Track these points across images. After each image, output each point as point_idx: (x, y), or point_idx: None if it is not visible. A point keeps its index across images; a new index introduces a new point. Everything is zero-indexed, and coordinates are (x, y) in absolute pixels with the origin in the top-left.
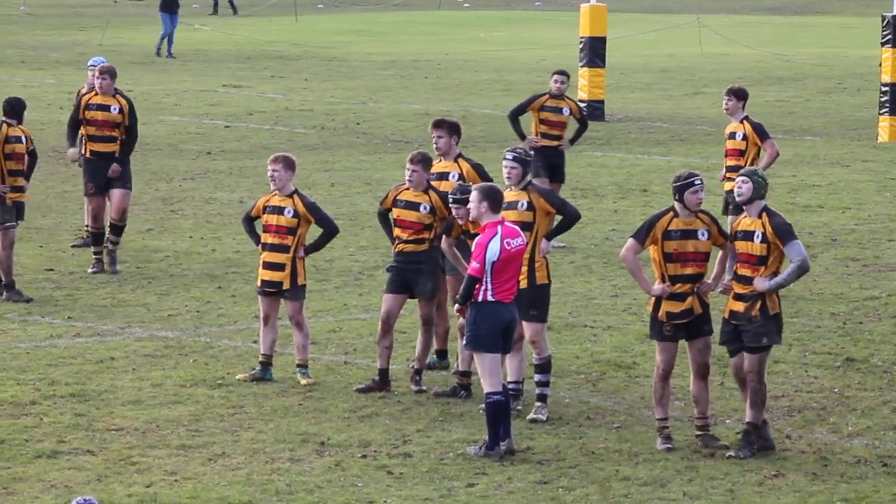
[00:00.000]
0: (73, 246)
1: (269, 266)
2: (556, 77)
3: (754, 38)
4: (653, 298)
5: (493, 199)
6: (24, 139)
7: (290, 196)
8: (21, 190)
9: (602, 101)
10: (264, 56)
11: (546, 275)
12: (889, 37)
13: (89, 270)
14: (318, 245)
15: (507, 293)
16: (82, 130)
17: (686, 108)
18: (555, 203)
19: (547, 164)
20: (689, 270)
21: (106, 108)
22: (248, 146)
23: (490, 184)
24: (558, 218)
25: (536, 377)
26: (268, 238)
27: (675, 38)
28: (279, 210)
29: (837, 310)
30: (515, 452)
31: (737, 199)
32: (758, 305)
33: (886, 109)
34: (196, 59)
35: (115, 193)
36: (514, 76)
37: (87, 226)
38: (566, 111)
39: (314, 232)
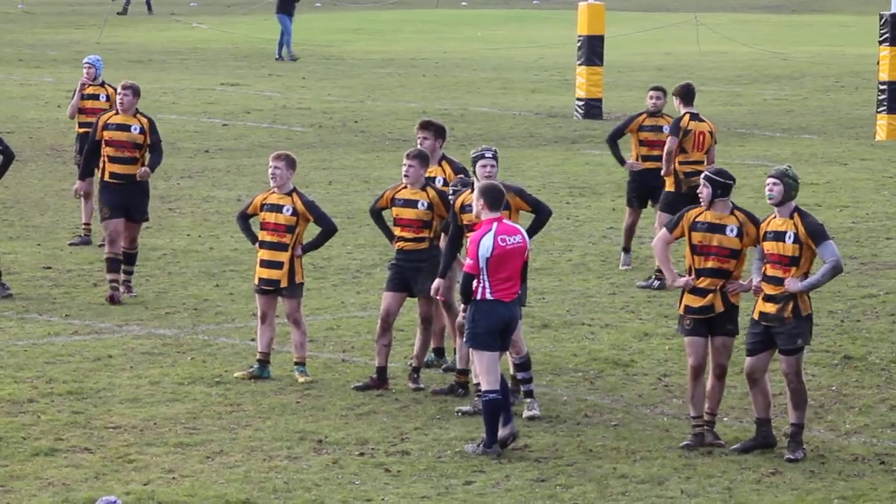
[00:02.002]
0: (70, 244)
1: (266, 264)
2: (651, 93)
3: (752, 37)
4: (681, 293)
5: (491, 198)
6: None
7: (289, 194)
8: None
9: (600, 100)
10: (262, 54)
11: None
12: (887, 35)
13: (105, 298)
14: (316, 243)
15: (507, 292)
16: (102, 151)
17: None
18: (530, 201)
19: (640, 192)
20: (709, 264)
21: (126, 127)
22: (246, 144)
23: (489, 182)
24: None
25: (520, 375)
26: (266, 236)
27: (672, 37)
28: (278, 208)
29: (835, 308)
30: (514, 449)
31: (768, 201)
32: (790, 307)
33: (884, 108)
34: (194, 57)
35: (129, 225)
36: (513, 74)
37: (84, 224)
38: (667, 129)
39: (311, 230)
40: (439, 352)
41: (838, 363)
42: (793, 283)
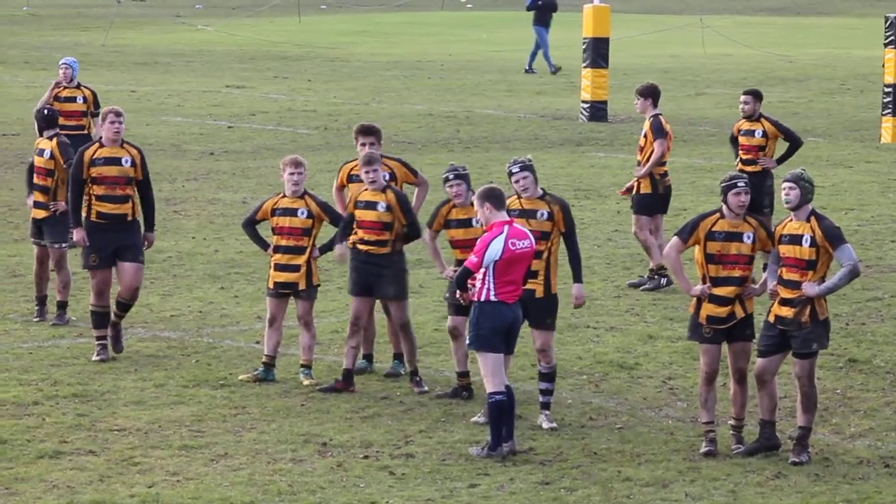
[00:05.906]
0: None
1: (283, 268)
2: (741, 97)
3: (757, 39)
4: (694, 300)
5: (495, 199)
6: (46, 152)
7: (301, 197)
8: (39, 207)
9: (605, 102)
10: (267, 57)
11: (556, 283)
12: (892, 38)
13: (93, 358)
14: (332, 244)
15: (511, 294)
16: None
17: (689, 109)
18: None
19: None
20: (730, 273)
21: (117, 161)
22: (252, 147)
23: (489, 185)
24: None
25: (543, 385)
26: (281, 241)
27: (678, 39)
28: (292, 212)
29: (840, 311)
30: (518, 453)
31: (785, 205)
32: (807, 311)
33: (889, 110)
34: (199, 59)
35: (127, 268)
36: (518, 77)
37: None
38: (759, 133)
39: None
40: (369, 357)
41: (843, 366)
42: (810, 288)
